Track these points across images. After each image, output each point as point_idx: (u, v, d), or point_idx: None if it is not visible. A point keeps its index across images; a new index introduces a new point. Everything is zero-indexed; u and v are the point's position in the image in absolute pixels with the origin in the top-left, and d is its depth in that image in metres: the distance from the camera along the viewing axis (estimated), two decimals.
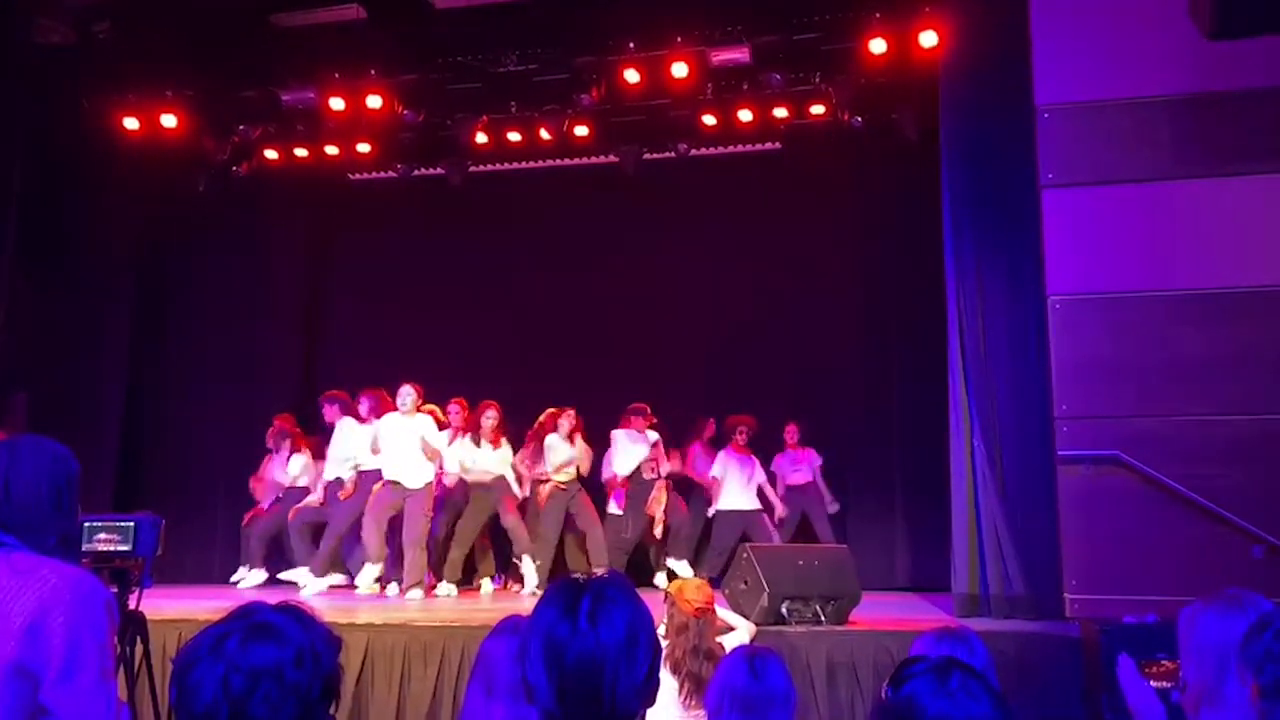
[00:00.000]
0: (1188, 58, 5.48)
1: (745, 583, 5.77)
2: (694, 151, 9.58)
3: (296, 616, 1.59)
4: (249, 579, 8.47)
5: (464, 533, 7.98)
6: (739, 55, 8.09)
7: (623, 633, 1.53)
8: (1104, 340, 5.41)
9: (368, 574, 7.59)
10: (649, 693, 1.56)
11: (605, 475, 8.45)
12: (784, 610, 5.67)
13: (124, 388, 9.61)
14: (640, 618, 1.58)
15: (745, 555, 5.99)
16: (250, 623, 1.55)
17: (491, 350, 9.90)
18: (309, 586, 7.76)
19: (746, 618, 5.33)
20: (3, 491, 2.13)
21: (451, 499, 8.16)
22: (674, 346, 9.64)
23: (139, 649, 3.86)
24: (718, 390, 9.49)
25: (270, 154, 9.73)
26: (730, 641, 4.57)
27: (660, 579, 8.13)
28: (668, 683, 4.11)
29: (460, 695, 5.14)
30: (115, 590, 3.18)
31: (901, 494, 9.07)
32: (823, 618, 5.72)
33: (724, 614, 5.09)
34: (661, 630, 4.40)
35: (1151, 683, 2.40)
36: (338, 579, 8.24)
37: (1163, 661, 2.46)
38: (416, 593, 7.40)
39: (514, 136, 9.32)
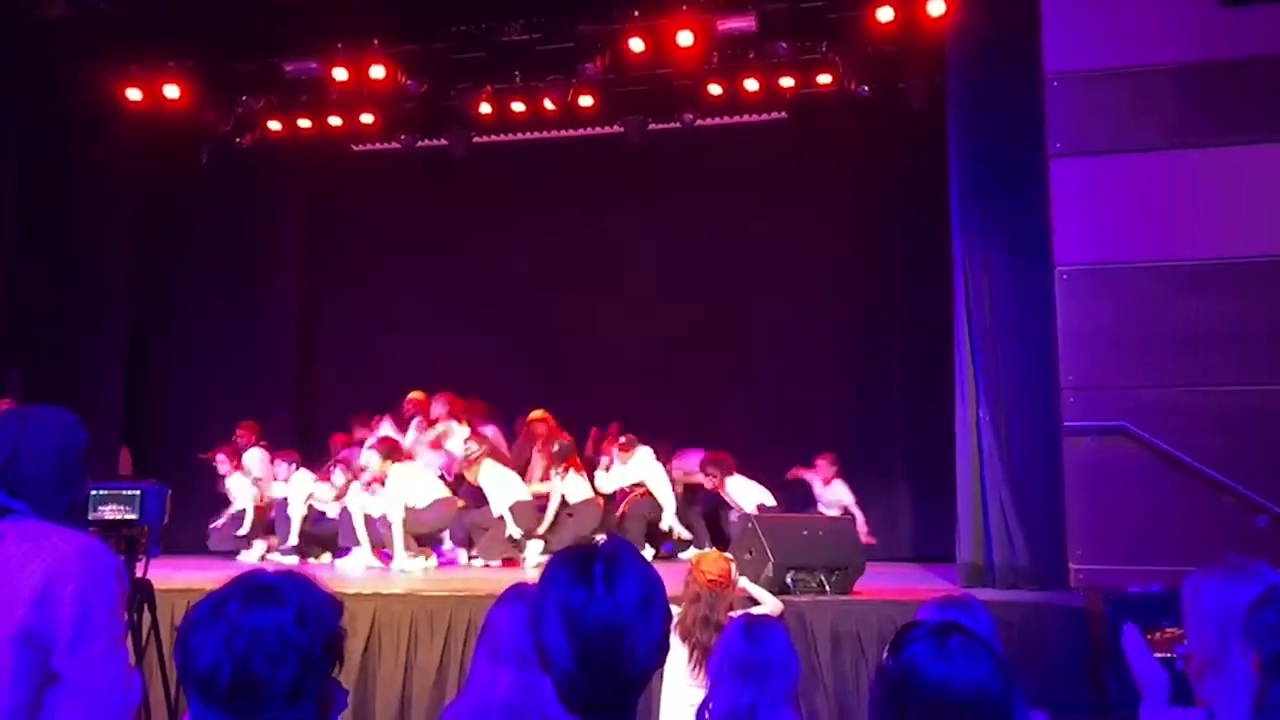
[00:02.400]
0: (1199, 26, 5.42)
1: (750, 552, 5.79)
2: (699, 121, 9.52)
3: (296, 580, 1.60)
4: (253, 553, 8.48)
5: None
6: (745, 23, 8.00)
7: (638, 594, 1.54)
8: (1111, 311, 5.39)
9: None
10: (664, 652, 1.58)
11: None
12: (788, 580, 5.69)
13: (125, 359, 9.63)
14: (652, 578, 1.59)
15: (750, 525, 6.01)
16: (250, 586, 1.57)
17: (494, 324, 9.90)
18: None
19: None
20: (12, 460, 2.14)
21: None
22: (679, 316, 9.62)
23: (146, 617, 3.88)
24: (721, 360, 9.48)
25: (273, 125, 9.68)
26: None
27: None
28: (679, 650, 4.14)
29: (467, 663, 5.18)
30: (123, 558, 3.19)
31: (905, 464, 9.08)
32: (827, 587, 5.74)
33: (752, 589, 5.11)
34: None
35: (1156, 651, 2.39)
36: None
37: (1167, 630, 2.46)
38: (413, 563, 7.45)
39: (518, 107, 9.26)
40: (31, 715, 1.97)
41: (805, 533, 6.06)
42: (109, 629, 2.04)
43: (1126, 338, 5.36)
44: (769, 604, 5.05)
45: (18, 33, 7.89)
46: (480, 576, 7.24)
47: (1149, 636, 2.42)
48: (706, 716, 2.98)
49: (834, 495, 8.22)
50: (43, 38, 7.97)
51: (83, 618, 1.99)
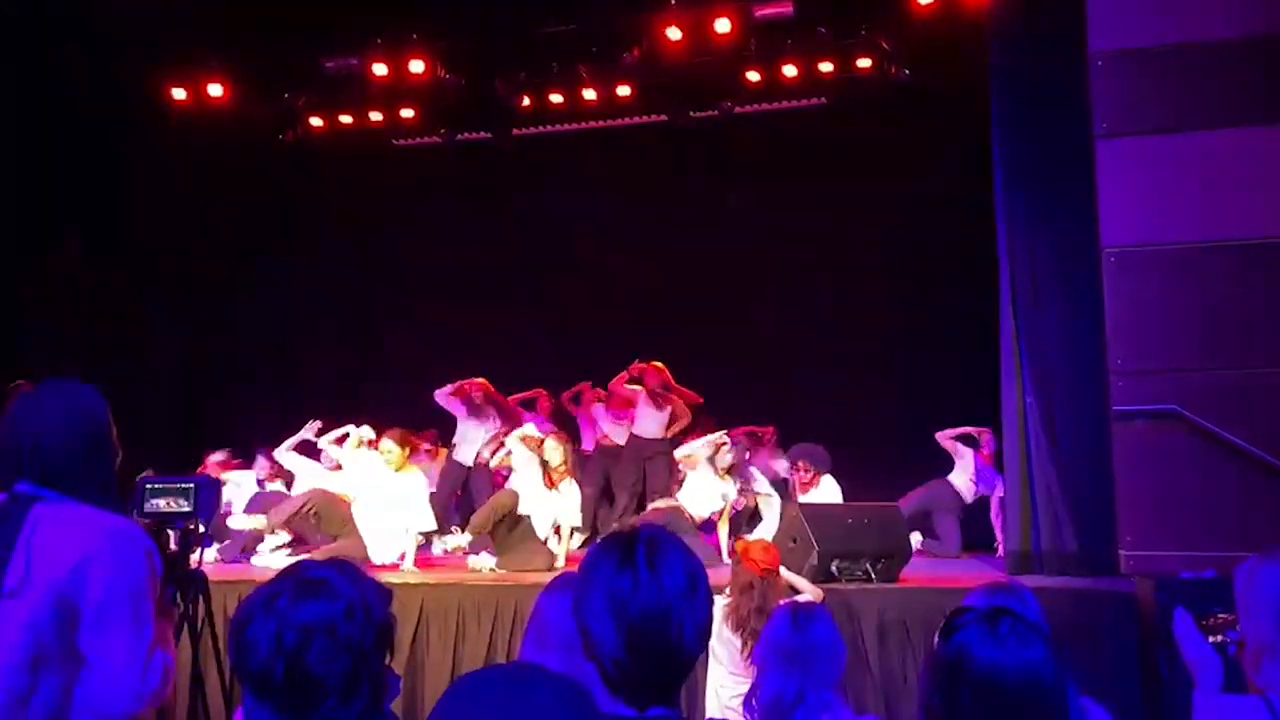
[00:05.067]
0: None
1: (794, 540, 5.78)
2: (738, 109, 9.48)
3: (345, 572, 1.62)
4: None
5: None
6: (783, 9, 7.95)
7: (683, 577, 1.54)
8: (1160, 293, 5.29)
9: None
10: (709, 635, 1.60)
11: None
12: (834, 568, 5.68)
13: (182, 355, 9.81)
14: (694, 560, 1.59)
15: (794, 513, 6.00)
16: (300, 580, 1.58)
17: (537, 313, 9.95)
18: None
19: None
20: (36, 446, 2.10)
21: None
22: (719, 304, 9.61)
23: (201, 608, 3.95)
24: (762, 346, 9.46)
25: (315, 121, 9.79)
26: None
27: None
28: (732, 642, 4.14)
29: (514, 651, 5.23)
30: (178, 550, 3.24)
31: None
32: (873, 575, 5.71)
33: (792, 578, 5.11)
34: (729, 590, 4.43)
35: (1209, 637, 2.36)
36: None
37: (1219, 616, 2.42)
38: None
39: (556, 98, 9.29)
40: (66, 698, 2.00)
41: (850, 520, 6.04)
42: (132, 608, 2.04)
43: (1176, 320, 5.26)
44: (809, 592, 5.04)
45: (74, 36, 8.04)
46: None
47: (1201, 623, 2.39)
48: (753, 704, 2.98)
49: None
50: (92, 35, 8.11)
51: (107, 597, 2.01)
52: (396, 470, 6.74)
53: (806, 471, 7.26)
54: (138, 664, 2.04)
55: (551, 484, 6.81)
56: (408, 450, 6.86)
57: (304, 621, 1.53)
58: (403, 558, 6.60)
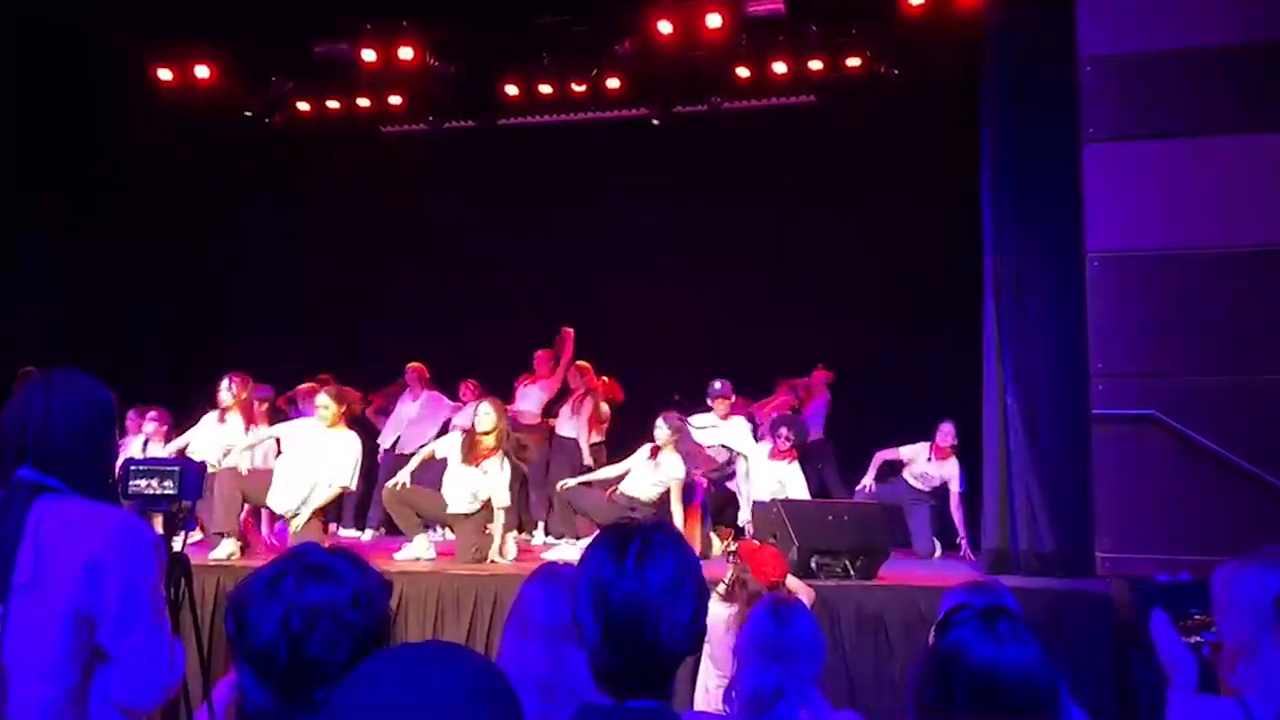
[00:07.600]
0: (1237, 8, 5.34)
1: (774, 536, 5.81)
2: (727, 104, 9.49)
3: (350, 559, 1.61)
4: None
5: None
6: (774, 6, 7.97)
7: (668, 575, 1.55)
8: (1143, 298, 5.34)
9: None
10: (695, 635, 1.58)
11: None
12: (813, 564, 5.71)
13: (169, 343, 9.76)
14: (688, 562, 1.59)
15: (775, 509, 6.03)
16: (305, 563, 1.57)
17: (519, 304, 9.93)
18: None
19: None
20: (43, 431, 2.08)
21: None
22: (704, 298, 9.62)
23: (184, 592, 3.93)
24: (747, 343, 9.46)
25: (303, 106, 9.73)
26: None
27: None
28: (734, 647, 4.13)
29: (493, 640, 5.23)
30: (163, 533, 3.23)
31: None
32: (852, 572, 5.75)
33: (792, 584, 5.12)
34: (721, 589, 4.42)
35: (1185, 638, 2.39)
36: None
37: (1195, 617, 2.45)
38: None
39: (545, 89, 9.26)
40: (83, 693, 2.01)
41: (830, 517, 6.07)
42: (151, 604, 2.06)
43: (1158, 325, 5.31)
44: (803, 594, 5.05)
45: (60, 15, 7.97)
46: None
47: (1177, 624, 2.42)
48: (733, 696, 2.99)
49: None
50: (82, 16, 8.04)
51: (127, 596, 2.01)
52: (329, 427, 6.63)
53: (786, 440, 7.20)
54: (163, 659, 2.06)
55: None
56: (343, 408, 6.77)
57: (310, 604, 1.52)
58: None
